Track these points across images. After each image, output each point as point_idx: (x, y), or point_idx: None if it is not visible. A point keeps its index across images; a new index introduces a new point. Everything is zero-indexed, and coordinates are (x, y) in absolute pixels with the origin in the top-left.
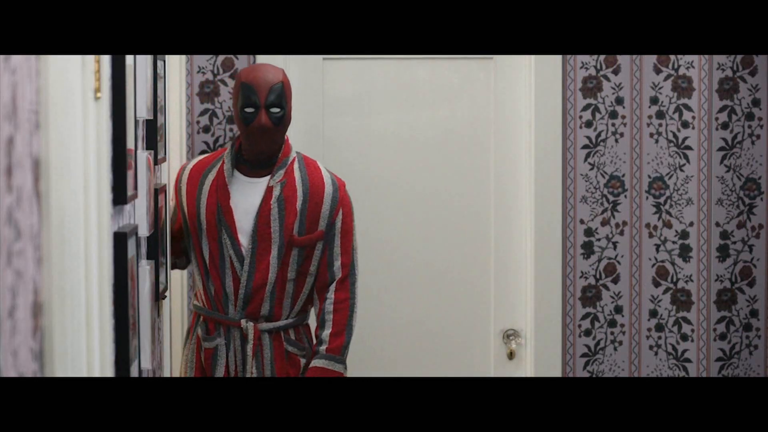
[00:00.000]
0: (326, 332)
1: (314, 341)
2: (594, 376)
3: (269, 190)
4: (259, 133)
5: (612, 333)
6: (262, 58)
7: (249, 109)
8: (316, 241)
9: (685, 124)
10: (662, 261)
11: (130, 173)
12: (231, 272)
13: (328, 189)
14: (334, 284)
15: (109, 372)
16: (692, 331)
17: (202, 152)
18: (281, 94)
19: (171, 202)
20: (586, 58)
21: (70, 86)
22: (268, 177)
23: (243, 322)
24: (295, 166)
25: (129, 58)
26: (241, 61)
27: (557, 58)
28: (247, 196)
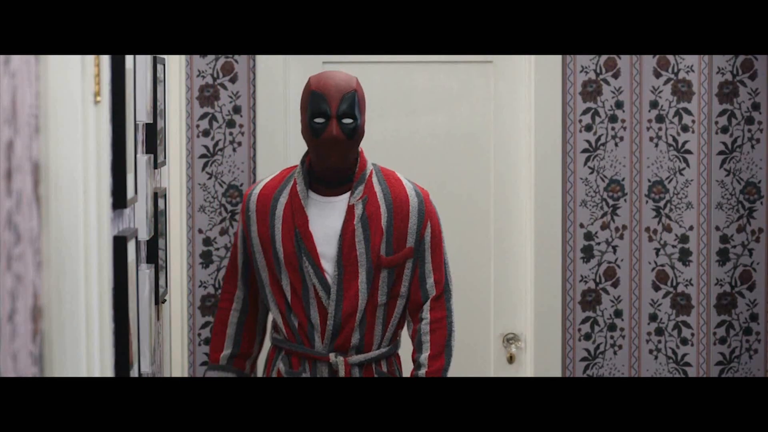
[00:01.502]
0: (424, 355)
1: (410, 366)
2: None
3: (350, 210)
4: (329, 145)
5: (612, 337)
6: (262, 59)
7: (319, 120)
8: (406, 259)
9: (685, 128)
10: (662, 265)
11: (129, 177)
12: (316, 302)
13: (413, 201)
14: (428, 303)
15: (108, 376)
16: (692, 335)
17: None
18: (354, 103)
19: (238, 251)
20: (585, 62)
21: (69, 90)
22: (348, 195)
23: (332, 356)
24: (374, 179)
25: (129, 62)
26: (241, 65)
27: (557, 63)
28: (326, 218)
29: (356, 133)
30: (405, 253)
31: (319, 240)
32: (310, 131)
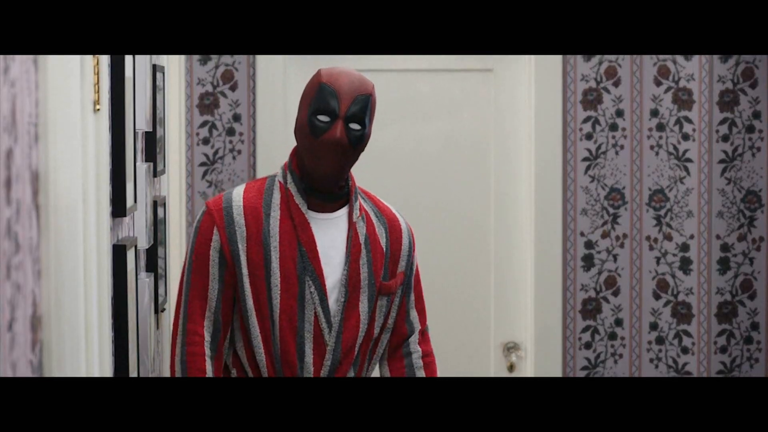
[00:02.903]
0: None
1: None
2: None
3: (354, 228)
4: (329, 149)
5: (612, 346)
6: (261, 67)
7: (323, 117)
8: (398, 286)
9: (686, 137)
10: (663, 274)
11: (129, 185)
12: (312, 336)
13: (402, 224)
14: (415, 335)
15: None
16: (693, 344)
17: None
18: (366, 108)
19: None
20: (586, 70)
21: (69, 98)
22: (345, 211)
23: None
24: (359, 198)
25: (128, 70)
26: (241, 73)
27: (557, 71)
28: (328, 237)
29: (361, 141)
30: (399, 279)
31: (325, 262)
32: (308, 128)
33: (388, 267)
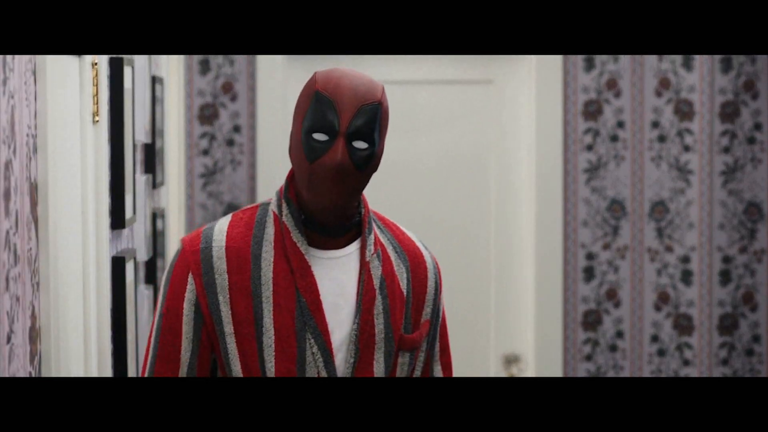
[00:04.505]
0: None
1: None
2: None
3: (366, 269)
4: (329, 175)
5: (613, 358)
6: (262, 77)
7: (320, 136)
8: (423, 339)
9: (687, 148)
10: (664, 286)
11: (128, 197)
12: None
13: (428, 259)
14: None
15: None
16: (694, 356)
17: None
18: (375, 120)
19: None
20: (586, 81)
21: (68, 110)
22: (355, 247)
23: None
24: (374, 227)
25: (127, 82)
26: (241, 84)
27: (558, 82)
28: (334, 282)
29: (370, 162)
30: (424, 329)
31: (328, 313)
32: (304, 150)
33: (410, 316)
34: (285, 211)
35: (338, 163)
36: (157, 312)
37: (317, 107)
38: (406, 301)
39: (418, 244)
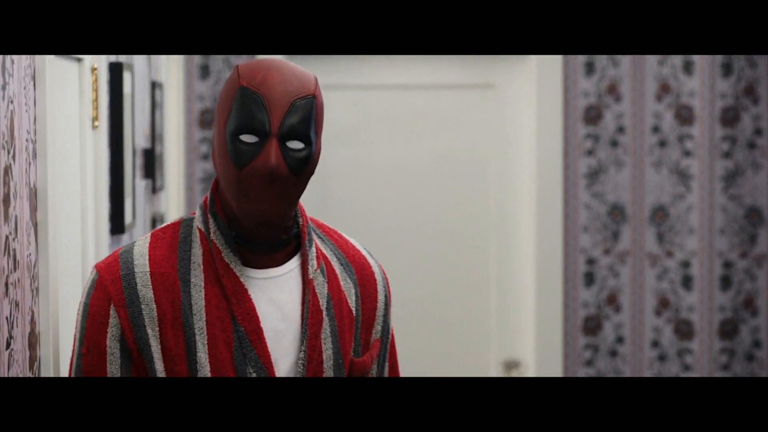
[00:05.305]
0: None
1: None
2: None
3: (310, 287)
4: (260, 182)
5: (614, 363)
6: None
7: (248, 138)
8: (374, 361)
9: (687, 153)
10: (664, 291)
11: (128, 202)
12: None
13: (375, 270)
14: None
15: None
16: (694, 361)
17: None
18: (310, 117)
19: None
20: (587, 86)
21: (67, 115)
22: (294, 263)
23: None
24: (315, 237)
25: (127, 87)
26: None
27: (558, 87)
28: (274, 306)
29: (307, 164)
30: (375, 350)
31: (270, 341)
32: (230, 156)
33: (359, 336)
34: (213, 227)
35: (272, 167)
36: (75, 352)
37: (243, 105)
38: (356, 320)
39: (364, 253)
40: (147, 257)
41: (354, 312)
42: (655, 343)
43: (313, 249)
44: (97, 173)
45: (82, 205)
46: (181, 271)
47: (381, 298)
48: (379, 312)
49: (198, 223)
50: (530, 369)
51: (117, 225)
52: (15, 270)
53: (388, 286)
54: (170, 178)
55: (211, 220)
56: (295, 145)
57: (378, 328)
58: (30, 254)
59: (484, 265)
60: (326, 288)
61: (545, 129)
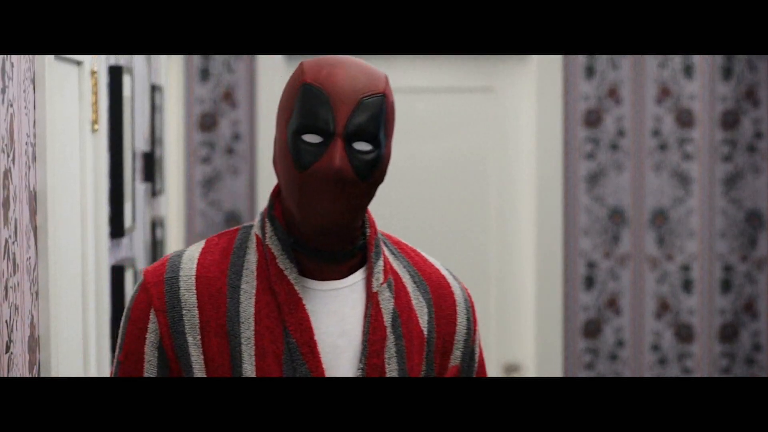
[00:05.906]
0: None
1: None
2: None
3: (375, 302)
4: (324, 186)
5: (614, 367)
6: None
7: (311, 138)
8: None
9: (687, 156)
10: (664, 294)
11: (127, 205)
12: None
13: (457, 292)
14: None
15: None
16: (694, 365)
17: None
18: (378, 117)
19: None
20: (587, 89)
21: (67, 118)
22: (360, 275)
23: None
24: (386, 251)
25: (126, 90)
26: (241, 92)
27: (558, 90)
28: (333, 320)
29: (376, 168)
30: (451, 376)
31: (325, 357)
32: (291, 156)
33: (432, 360)
34: (269, 232)
35: (336, 170)
36: (114, 360)
37: (307, 103)
38: (427, 342)
39: (445, 273)
40: (196, 261)
41: (425, 333)
42: (655, 347)
43: (381, 262)
44: (96, 177)
45: (81, 208)
46: (231, 277)
47: (462, 320)
48: (459, 336)
49: (256, 229)
50: (530, 372)
51: (117, 228)
52: (14, 273)
53: (473, 310)
54: (170, 182)
55: (267, 225)
56: (362, 146)
57: (457, 353)
58: (30, 257)
59: (485, 268)
60: (392, 303)
61: (545, 132)
